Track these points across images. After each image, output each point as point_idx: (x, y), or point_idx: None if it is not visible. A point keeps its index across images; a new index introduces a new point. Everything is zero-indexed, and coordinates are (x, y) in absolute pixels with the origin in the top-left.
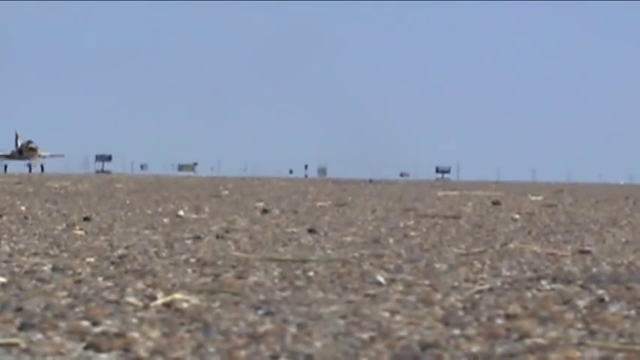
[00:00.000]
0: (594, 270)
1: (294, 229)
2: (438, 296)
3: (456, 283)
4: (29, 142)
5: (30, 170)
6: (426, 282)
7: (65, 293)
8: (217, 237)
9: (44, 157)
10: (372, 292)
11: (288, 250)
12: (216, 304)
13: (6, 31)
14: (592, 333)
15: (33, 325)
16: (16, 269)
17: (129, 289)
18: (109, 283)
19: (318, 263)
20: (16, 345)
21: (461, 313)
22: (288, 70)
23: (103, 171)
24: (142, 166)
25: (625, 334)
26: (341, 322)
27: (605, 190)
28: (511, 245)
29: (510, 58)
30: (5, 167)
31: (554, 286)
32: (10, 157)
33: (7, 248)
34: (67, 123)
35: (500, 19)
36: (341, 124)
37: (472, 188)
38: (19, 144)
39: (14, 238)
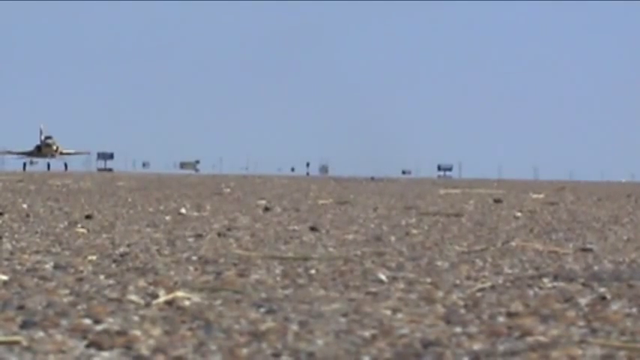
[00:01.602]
0: (596, 268)
1: (296, 227)
2: (440, 294)
3: (457, 281)
4: (47, 137)
5: (48, 169)
6: (428, 280)
7: (67, 291)
8: (219, 235)
9: (67, 154)
10: (373, 290)
11: (290, 248)
12: (218, 302)
13: (7, 30)
14: (594, 331)
15: (34, 323)
16: (18, 267)
17: (130, 287)
18: (111, 281)
19: (320, 261)
20: (17, 343)
21: (462, 311)
22: (290, 68)
23: (105, 169)
24: (143, 164)
25: (626, 332)
26: (343, 320)
27: (607, 188)
28: (513, 243)
29: (512, 57)
30: (24, 165)
31: (555, 283)
32: (30, 154)
33: (8, 246)
34: (69, 121)
35: (502, 19)
36: (343, 122)
37: (474, 186)
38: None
39: (16, 236)
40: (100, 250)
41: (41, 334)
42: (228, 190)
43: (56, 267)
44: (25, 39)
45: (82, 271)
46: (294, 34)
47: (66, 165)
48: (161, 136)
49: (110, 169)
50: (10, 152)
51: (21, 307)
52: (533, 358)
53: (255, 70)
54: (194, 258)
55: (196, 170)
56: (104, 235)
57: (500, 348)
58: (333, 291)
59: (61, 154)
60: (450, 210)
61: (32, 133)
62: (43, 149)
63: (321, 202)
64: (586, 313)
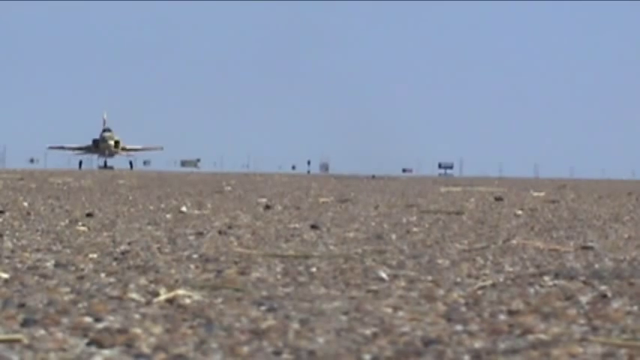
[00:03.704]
0: (597, 266)
1: (297, 225)
2: (441, 292)
3: (458, 279)
4: (105, 130)
5: (105, 166)
6: (429, 278)
7: (68, 289)
8: (220, 233)
9: (132, 150)
10: (374, 288)
11: (291, 246)
12: (219, 300)
13: (8, 29)
14: (594, 329)
15: (35, 321)
16: (19, 265)
17: (131, 285)
18: (112, 279)
19: (321, 259)
20: (18, 341)
21: (463, 309)
22: (291, 66)
23: (105, 167)
24: (144, 162)
25: (627, 330)
26: (343, 318)
27: (608, 186)
28: (514, 241)
29: (513, 55)
30: (80, 163)
31: (556, 282)
32: (86, 150)
33: (9, 244)
34: (69, 119)
35: (503, 17)
36: (344, 120)
37: (475, 184)
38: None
39: (17, 234)
40: (101, 248)
41: (42, 332)
42: (229, 188)
43: (57, 265)
44: (22, 36)
45: (82, 269)
46: (295, 32)
47: (131, 163)
48: (162, 134)
49: (111, 167)
50: (62, 147)
51: (22, 305)
52: (534, 356)
53: (256, 69)
54: (195, 256)
55: (197, 168)
56: (105, 234)
57: (501, 346)
58: (333, 289)
59: (125, 150)
60: (450, 208)
61: (33, 131)
62: (100, 144)
63: (321, 200)
64: (587, 311)
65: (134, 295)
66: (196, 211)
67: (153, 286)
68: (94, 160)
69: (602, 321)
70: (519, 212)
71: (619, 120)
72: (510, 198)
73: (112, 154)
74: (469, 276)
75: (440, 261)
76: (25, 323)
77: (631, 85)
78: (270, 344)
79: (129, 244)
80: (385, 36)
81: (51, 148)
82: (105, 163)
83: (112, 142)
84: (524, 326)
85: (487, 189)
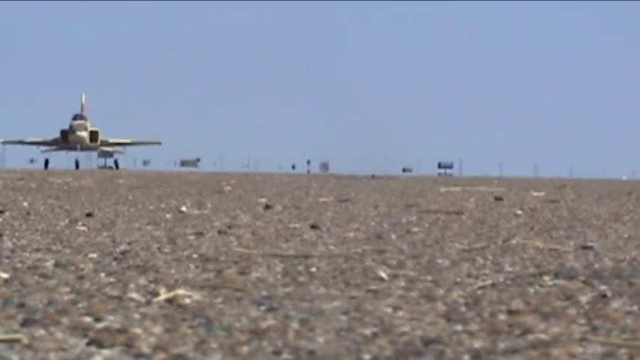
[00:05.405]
0: (597, 266)
1: (297, 225)
2: (441, 292)
3: (458, 279)
4: (75, 117)
5: (77, 167)
6: (429, 278)
7: (68, 289)
8: (220, 233)
9: (119, 145)
10: (374, 287)
11: (291, 245)
12: (219, 299)
13: (7, 28)
14: (594, 329)
15: (35, 321)
16: (19, 265)
17: (131, 285)
18: (112, 279)
19: (321, 259)
20: (18, 341)
21: (463, 308)
22: (291, 66)
23: (105, 167)
24: (144, 162)
25: (627, 330)
26: (343, 317)
27: (608, 186)
28: (513, 241)
29: (513, 55)
30: (46, 163)
31: (556, 281)
32: (54, 145)
33: (9, 244)
34: (69, 118)
35: (503, 16)
36: (343, 119)
37: (474, 184)
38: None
39: (17, 233)
40: (101, 248)
41: (42, 332)
42: (229, 187)
43: (57, 265)
44: (20, 35)
45: (82, 269)
46: (295, 32)
47: (116, 162)
48: (162, 134)
49: (111, 167)
50: (22, 142)
51: (22, 305)
52: (534, 356)
53: (256, 68)
54: (195, 256)
55: (197, 168)
56: (105, 233)
57: (501, 346)
58: (333, 289)
59: (104, 144)
60: (450, 208)
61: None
62: (69, 137)
63: (321, 199)
64: (587, 310)
65: (134, 295)
66: (196, 211)
67: (153, 286)
68: (93, 160)
69: (602, 321)
70: (519, 212)
71: (619, 120)
72: (510, 198)
73: (89, 150)
74: (469, 276)
75: (440, 261)
76: (25, 323)
77: (631, 85)
78: (270, 344)
79: (129, 243)
80: (385, 36)
81: (5, 142)
82: (77, 162)
83: (84, 134)
84: (524, 326)
85: (487, 189)
